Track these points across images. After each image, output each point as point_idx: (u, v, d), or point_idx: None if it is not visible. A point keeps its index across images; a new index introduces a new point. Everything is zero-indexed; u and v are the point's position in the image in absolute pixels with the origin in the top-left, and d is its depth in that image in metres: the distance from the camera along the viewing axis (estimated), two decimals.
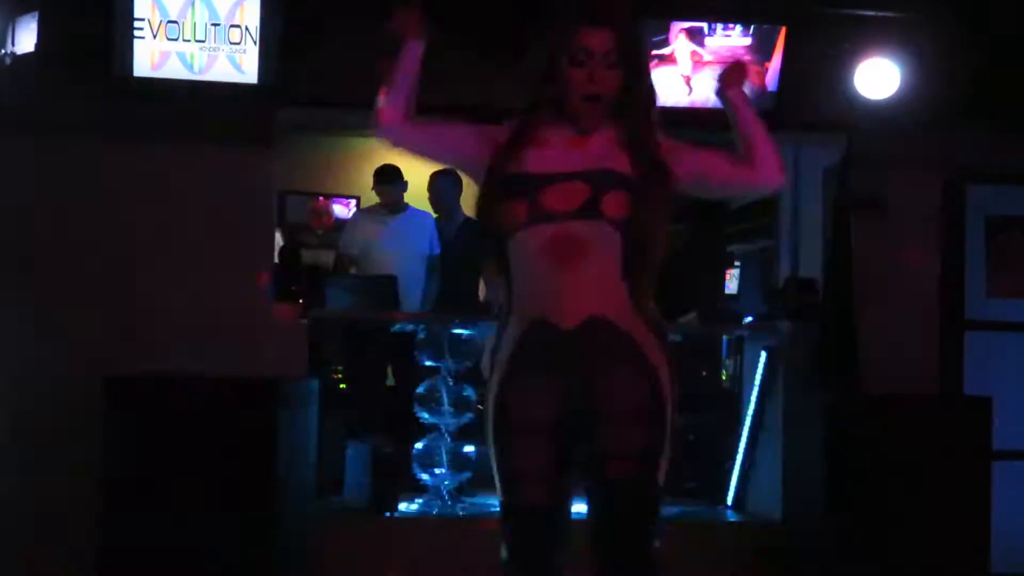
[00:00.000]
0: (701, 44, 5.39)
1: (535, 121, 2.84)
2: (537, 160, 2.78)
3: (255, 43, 5.14)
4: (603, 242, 2.71)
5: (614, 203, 2.71)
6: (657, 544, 2.75)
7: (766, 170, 2.87)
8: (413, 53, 2.88)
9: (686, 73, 5.40)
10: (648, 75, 2.90)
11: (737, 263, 8.14)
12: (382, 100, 2.88)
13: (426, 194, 6.91)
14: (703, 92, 5.43)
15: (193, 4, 5.11)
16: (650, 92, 2.87)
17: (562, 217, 2.70)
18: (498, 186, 2.78)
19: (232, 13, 5.14)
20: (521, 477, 2.76)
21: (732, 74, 2.93)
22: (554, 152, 2.79)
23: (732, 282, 7.97)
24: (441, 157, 3.23)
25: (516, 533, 2.78)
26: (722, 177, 2.90)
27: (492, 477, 2.90)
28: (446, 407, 5.67)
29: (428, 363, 5.73)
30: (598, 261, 2.71)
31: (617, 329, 2.73)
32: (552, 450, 2.75)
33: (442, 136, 2.97)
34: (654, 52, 5.33)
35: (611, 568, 2.73)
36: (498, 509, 2.85)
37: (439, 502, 5.62)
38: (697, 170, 2.85)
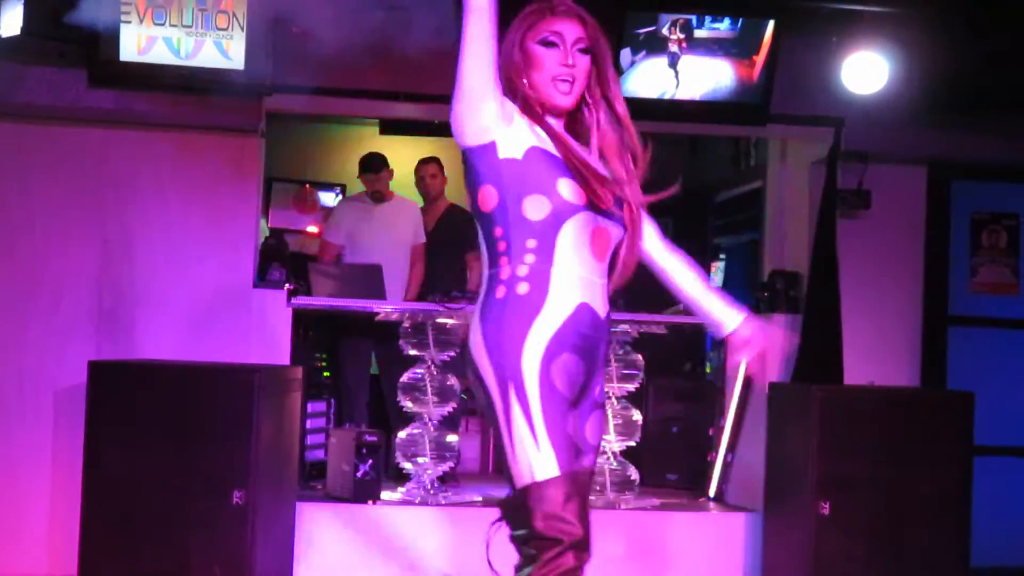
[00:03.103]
0: (689, 36, 5.39)
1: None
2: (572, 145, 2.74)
3: (242, 29, 5.11)
4: (615, 243, 2.80)
5: (628, 210, 2.78)
6: None
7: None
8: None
9: (673, 65, 5.40)
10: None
11: (722, 256, 8.16)
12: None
13: (411, 182, 6.94)
14: (690, 84, 5.44)
15: None
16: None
17: (605, 213, 2.74)
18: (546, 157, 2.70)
19: None
20: (580, 445, 2.78)
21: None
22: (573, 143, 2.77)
23: (717, 275, 7.98)
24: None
25: (571, 498, 2.64)
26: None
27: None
28: (430, 396, 5.67)
29: (412, 352, 5.73)
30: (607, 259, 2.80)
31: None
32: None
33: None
34: (642, 42, 5.34)
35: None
36: (508, 490, 2.70)
37: (422, 491, 5.61)
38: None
